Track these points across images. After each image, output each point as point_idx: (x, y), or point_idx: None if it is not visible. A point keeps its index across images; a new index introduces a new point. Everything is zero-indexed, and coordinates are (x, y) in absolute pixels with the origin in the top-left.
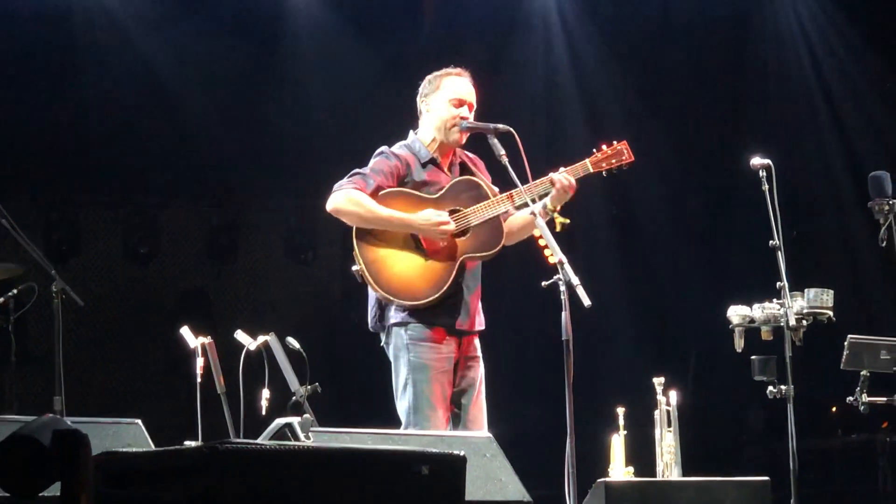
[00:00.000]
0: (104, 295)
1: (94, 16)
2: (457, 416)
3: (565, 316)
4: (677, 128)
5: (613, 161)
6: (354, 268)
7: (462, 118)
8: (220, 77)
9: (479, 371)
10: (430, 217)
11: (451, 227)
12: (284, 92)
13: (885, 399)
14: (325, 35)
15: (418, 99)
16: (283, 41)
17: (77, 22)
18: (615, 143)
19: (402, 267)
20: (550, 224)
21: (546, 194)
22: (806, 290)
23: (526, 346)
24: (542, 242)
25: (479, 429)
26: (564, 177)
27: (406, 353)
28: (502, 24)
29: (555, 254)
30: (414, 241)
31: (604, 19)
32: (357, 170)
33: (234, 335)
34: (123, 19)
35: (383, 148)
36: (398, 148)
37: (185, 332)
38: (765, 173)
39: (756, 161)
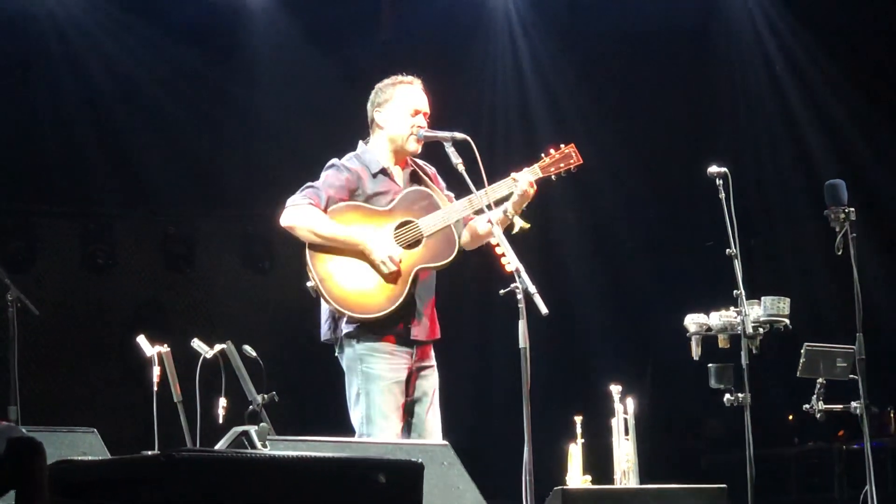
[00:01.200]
0: (60, 304)
1: (49, 26)
2: (412, 424)
3: (522, 324)
4: (635, 136)
5: (562, 165)
6: (309, 284)
7: (419, 127)
8: (176, 86)
9: (434, 380)
10: (382, 251)
11: (394, 269)
12: (240, 100)
13: (840, 406)
14: (281, 43)
15: (370, 107)
16: (238, 50)
17: (31, 31)
18: (563, 146)
19: (356, 281)
20: (510, 228)
21: (504, 199)
22: (763, 299)
23: (484, 354)
24: (499, 251)
25: (435, 437)
26: (525, 181)
27: (359, 364)
28: (459, 31)
29: (511, 262)
30: (366, 255)
31: (562, 27)
32: (309, 183)
33: (191, 343)
34: (78, 29)
35: (334, 161)
36: (348, 160)
37: (142, 340)
38: (721, 181)
39: (713, 169)
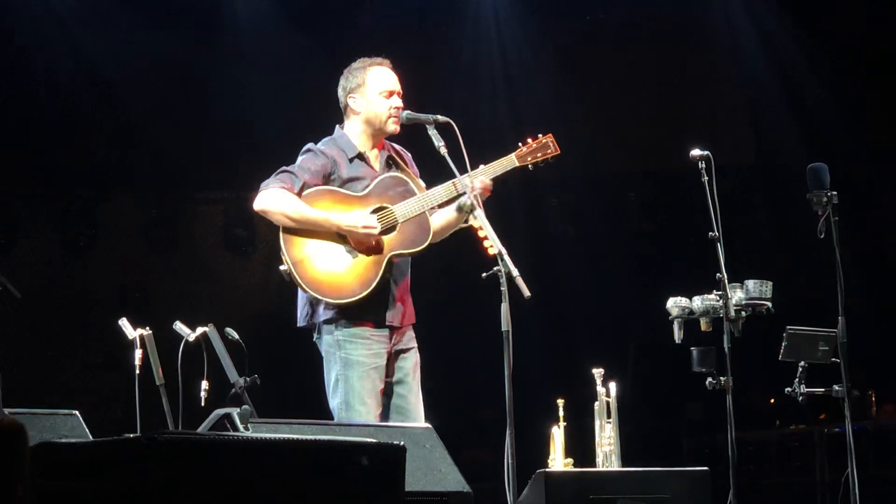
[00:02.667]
0: (41, 287)
1: (32, 8)
2: (394, 406)
3: (504, 307)
4: (617, 119)
5: (539, 154)
6: (282, 267)
7: (398, 108)
8: (158, 68)
9: (414, 360)
10: (357, 220)
11: (377, 231)
12: (223, 83)
13: (822, 390)
14: (264, 26)
15: (341, 93)
16: (221, 32)
17: (14, 13)
18: (540, 136)
19: (330, 265)
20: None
21: (458, 198)
22: (745, 282)
23: (466, 337)
24: (481, 234)
25: (418, 418)
26: (478, 180)
27: (337, 350)
28: (440, 14)
29: (494, 245)
30: (341, 239)
31: (544, 11)
32: (284, 168)
33: (173, 326)
34: (60, 11)
35: (310, 145)
36: (325, 144)
37: (124, 323)
38: (704, 165)
39: (695, 153)
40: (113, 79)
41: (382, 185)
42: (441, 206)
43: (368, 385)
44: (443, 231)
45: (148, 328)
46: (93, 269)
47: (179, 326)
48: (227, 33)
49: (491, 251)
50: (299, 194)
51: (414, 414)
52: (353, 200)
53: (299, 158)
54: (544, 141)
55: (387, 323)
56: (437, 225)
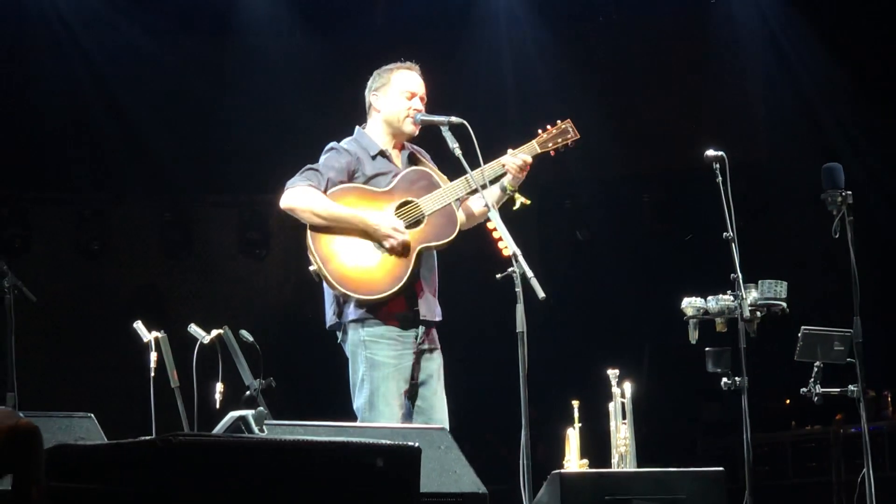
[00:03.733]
0: (57, 291)
1: (43, 9)
2: (418, 408)
3: (520, 308)
4: (633, 120)
5: (559, 140)
6: (311, 268)
7: (416, 110)
8: (171, 72)
9: (438, 362)
10: (384, 221)
11: (403, 237)
12: (236, 86)
13: (838, 390)
14: (276, 28)
15: (367, 93)
16: (234, 35)
17: (25, 16)
18: (559, 121)
19: (359, 261)
20: (510, 203)
21: (500, 177)
22: (760, 282)
23: (481, 338)
24: (496, 234)
25: (442, 417)
26: (518, 158)
27: (363, 351)
28: (455, 14)
29: (509, 246)
30: (369, 236)
31: (555, 11)
32: (309, 166)
33: (188, 329)
34: (72, 13)
35: (333, 144)
36: (347, 143)
37: (139, 326)
38: (718, 165)
39: (710, 153)
40: (125, 83)
41: (406, 179)
42: (493, 181)
43: (393, 386)
44: (476, 218)
45: (163, 331)
46: (108, 273)
47: (194, 329)
48: (239, 36)
49: (506, 252)
50: (325, 192)
51: (437, 416)
52: (379, 196)
53: (323, 157)
54: (563, 126)
55: (420, 318)
56: (470, 213)
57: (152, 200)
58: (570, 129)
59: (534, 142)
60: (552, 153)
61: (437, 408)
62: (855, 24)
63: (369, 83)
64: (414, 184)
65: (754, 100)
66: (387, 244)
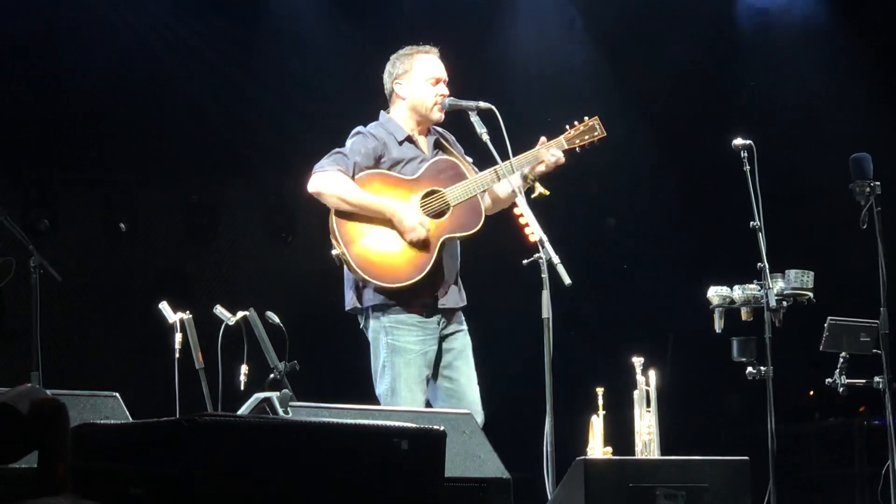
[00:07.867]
0: (82, 271)
1: None
2: (446, 390)
3: (545, 294)
4: (658, 108)
5: (586, 137)
6: (334, 252)
7: (443, 96)
8: (199, 55)
9: (463, 342)
10: (408, 216)
11: (426, 233)
12: (265, 70)
13: (863, 381)
14: (305, 12)
15: (387, 78)
16: (262, 18)
17: (56, 3)
18: (587, 118)
19: (383, 249)
20: (530, 192)
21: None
22: (786, 272)
23: (505, 324)
24: (522, 220)
25: (471, 402)
26: (552, 154)
27: (385, 336)
28: (482, 1)
29: (535, 232)
30: (393, 224)
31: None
32: (337, 150)
33: (213, 310)
34: None
35: (359, 128)
36: (373, 128)
37: (164, 307)
38: (746, 154)
39: (738, 141)
40: (154, 65)
41: (434, 168)
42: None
43: (415, 371)
44: (501, 203)
45: (188, 312)
46: (134, 255)
47: (220, 310)
48: (267, 19)
49: (532, 238)
50: (352, 177)
51: (467, 397)
52: (405, 184)
53: (349, 141)
54: (591, 123)
55: (439, 305)
56: (496, 198)
57: (179, 182)
58: (598, 127)
59: (561, 137)
60: (578, 150)
61: (465, 389)
62: (888, 13)
63: (388, 68)
64: (441, 173)
65: (784, 88)
66: (409, 237)
